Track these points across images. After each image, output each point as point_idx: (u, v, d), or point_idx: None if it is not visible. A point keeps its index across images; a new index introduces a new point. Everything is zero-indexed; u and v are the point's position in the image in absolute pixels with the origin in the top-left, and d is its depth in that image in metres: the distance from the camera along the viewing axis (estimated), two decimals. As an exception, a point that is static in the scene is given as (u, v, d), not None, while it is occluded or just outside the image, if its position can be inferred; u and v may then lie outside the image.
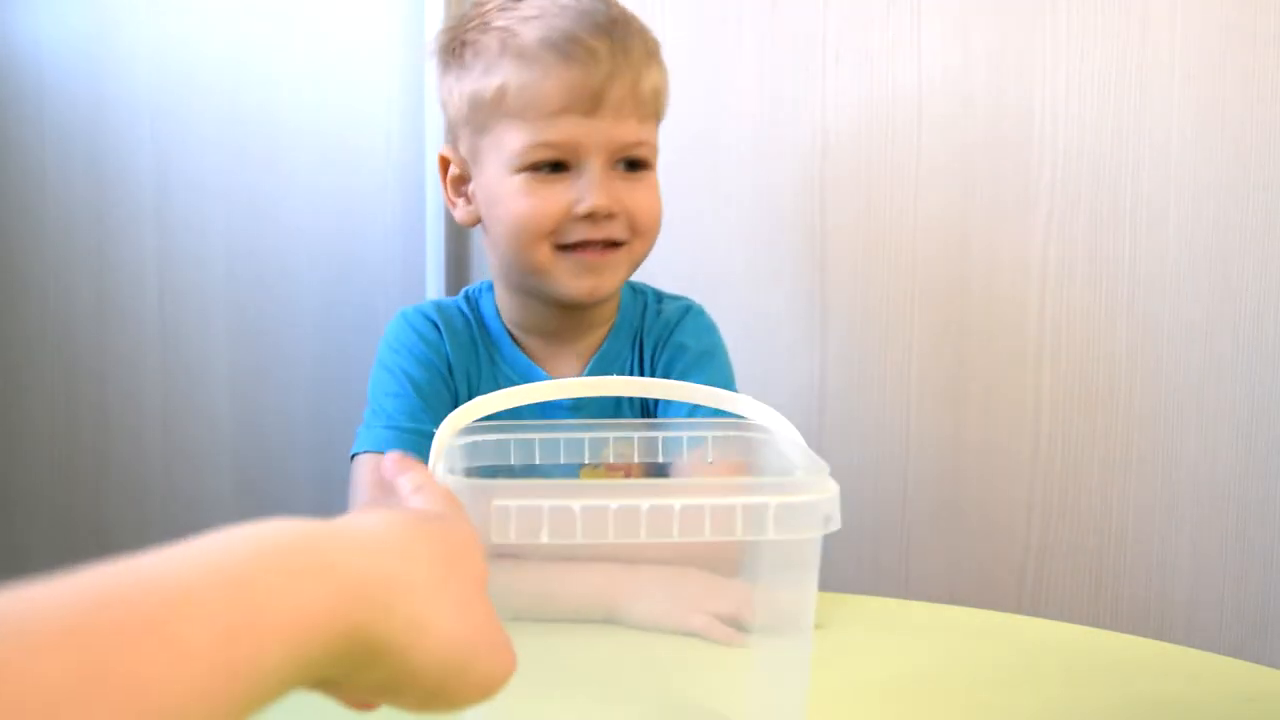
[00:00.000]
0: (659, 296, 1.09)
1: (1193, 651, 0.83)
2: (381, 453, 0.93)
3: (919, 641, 0.83)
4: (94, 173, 1.36)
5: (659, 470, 0.92)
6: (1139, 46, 1.19)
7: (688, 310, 1.07)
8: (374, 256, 1.36)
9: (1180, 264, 1.21)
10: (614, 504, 0.53)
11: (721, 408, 0.72)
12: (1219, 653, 0.83)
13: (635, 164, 0.96)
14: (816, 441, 1.29)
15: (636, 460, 0.72)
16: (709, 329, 1.07)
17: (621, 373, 1.05)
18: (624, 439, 0.72)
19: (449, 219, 1.33)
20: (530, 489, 0.54)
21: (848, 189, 1.27)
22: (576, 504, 0.53)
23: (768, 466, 0.70)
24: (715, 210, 1.31)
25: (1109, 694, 0.74)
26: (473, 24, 0.98)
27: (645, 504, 0.54)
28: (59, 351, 1.38)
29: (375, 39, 1.34)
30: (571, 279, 0.96)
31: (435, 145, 1.32)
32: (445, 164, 1.01)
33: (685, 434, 0.73)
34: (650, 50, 0.97)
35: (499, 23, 0.95)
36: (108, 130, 1.35)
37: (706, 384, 1.05)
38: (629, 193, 0.95)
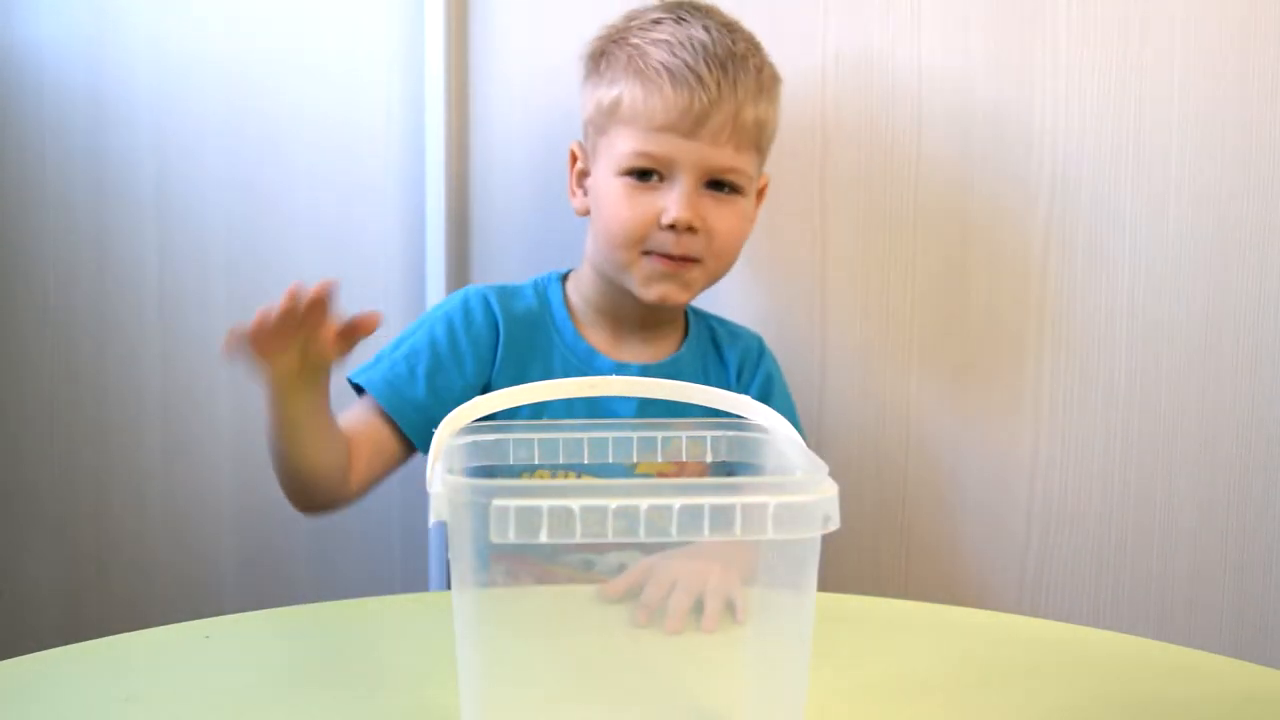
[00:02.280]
0: (720, 321, 1.20)
1: (1193, 651, 0.83)
2: (374, 399, 1.05)
3: (919, 641, 0.83)
4: (94, 172, 1.36)
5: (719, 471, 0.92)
6: (1139, 46, 1.19)
7: (761, 341, 1.20)
8: (374, 256, 1.36)
9: (1180, 264, 1.21)
10: (613, 504, 0.53)
11: (723, 408, 0.72)
12: (1219, 653, 0.83)
13: (724, 186, 1.06)
14: (816, 441, 1.29)
15: (636, 460, 0.72)
16: (778, 364, 1.20)
17: (695, 381, 1.10)
18: (623, 439, 0.72)
19: (450, 216, 1.33)
20: (530, 489, 0.54)
21: (848, 189, 1.27)
22: (575, 504, 0.53)
23: (767, 466, 0.70)
24: (715, 210, 1.31)
25: (1109, 694, 0.74)
26: (616, 37, 1.09)
27: (644, 504, 0.54)
28: (59, 351, 1.38)
29: (375, 38, 1.34)
30: (646, 283, 1.06)
31: (436, 144, 1.32)
32: (574, 158, 1.13)
33: (685, 434, 0.73)
34: (763, 86, 1.07)
35: (634, 40, 1.07)
36: (108, 130, 1.35)
37: (795, 419, 1.14)
38: (713, 211, 1.05)
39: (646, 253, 1.05)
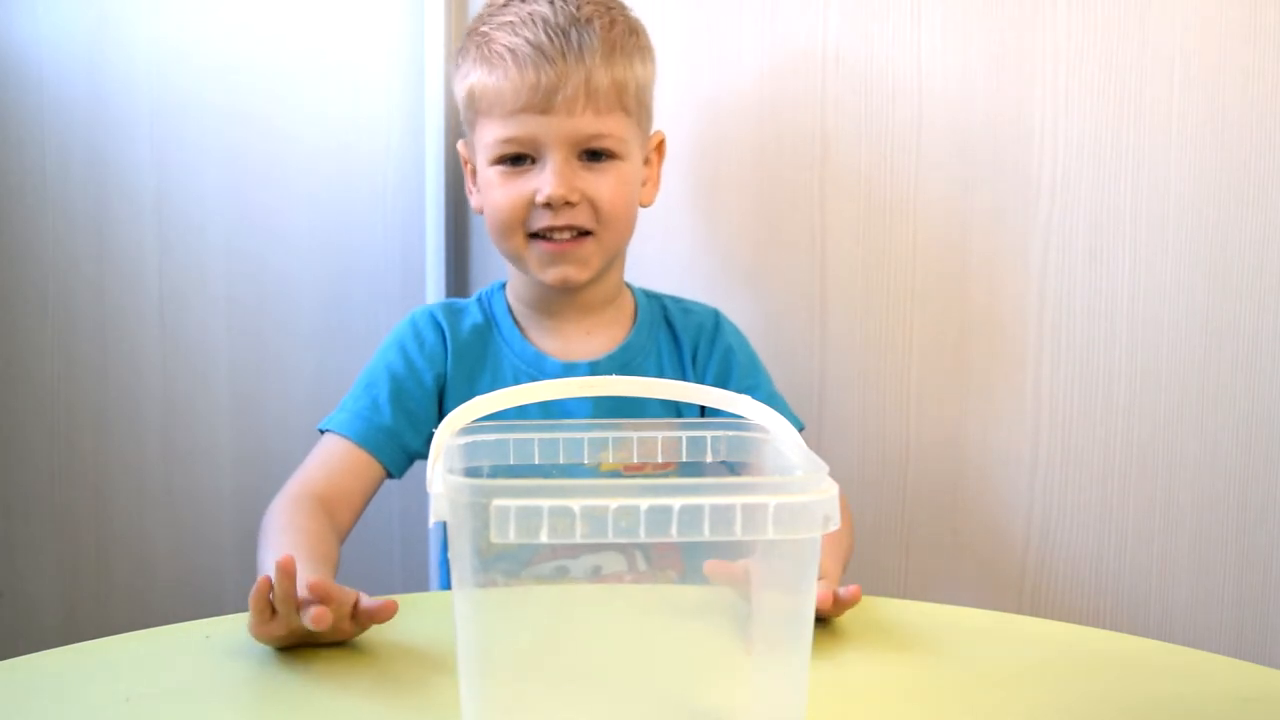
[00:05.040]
0: (675, 300, 1.17)
1: (1193, 651, 0.83)
2: (343, 436, 1.04)
3: (919, 641, 0.83)
4: (94, 173, 1.36)
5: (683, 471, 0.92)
6: (1138, 46, 1.19)
7: (718, 314, 1.17)
8: (374, 257, 1.36)
9: (1180, 264, 1.21)
10: (613, 504, 0.53)
11: (722, 408, 0.72)
12: (1219, 653, 0.83)
13: (599, 154, 1.05)
14: (816, 441, 1.29)
15: (636, 460, 0.72)
16: (742, 334, 1.17)
17: (649, 367, 1.09)
18: (623, 439, 0.72)
19: (449, 219, 1.33)
20: (530, 489, 0.54)
21: (848, 189, 1.27)
22: (576, 504, 0.53)
23: (767, 466, 0.70)
24: (715, 210, 1.31)
25: (1109, 694, 0.74)
26: (472, 29, 1.08)
27: (644, 504, 0.54)
28: (59, 351, 1.38)
29: (376, 39, 1.34)
30: (541, 267, 1.06)
31: (435, 145, 1.32)
32: (464, 159, 1.12)
33: (685, 434, 0.73)
34: (614, 45, 1.04)
35: (483, 28, 1.06)
36: (108, 130, 1.35)
37: (764, 388, 1.13)
38: (590, 182, 1.04)
39: (534, 236, 1.05)
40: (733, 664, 0.66)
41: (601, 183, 1.04)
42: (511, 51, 1.02)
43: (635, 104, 1.07)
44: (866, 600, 0.90)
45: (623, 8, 1.09)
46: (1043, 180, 1.23)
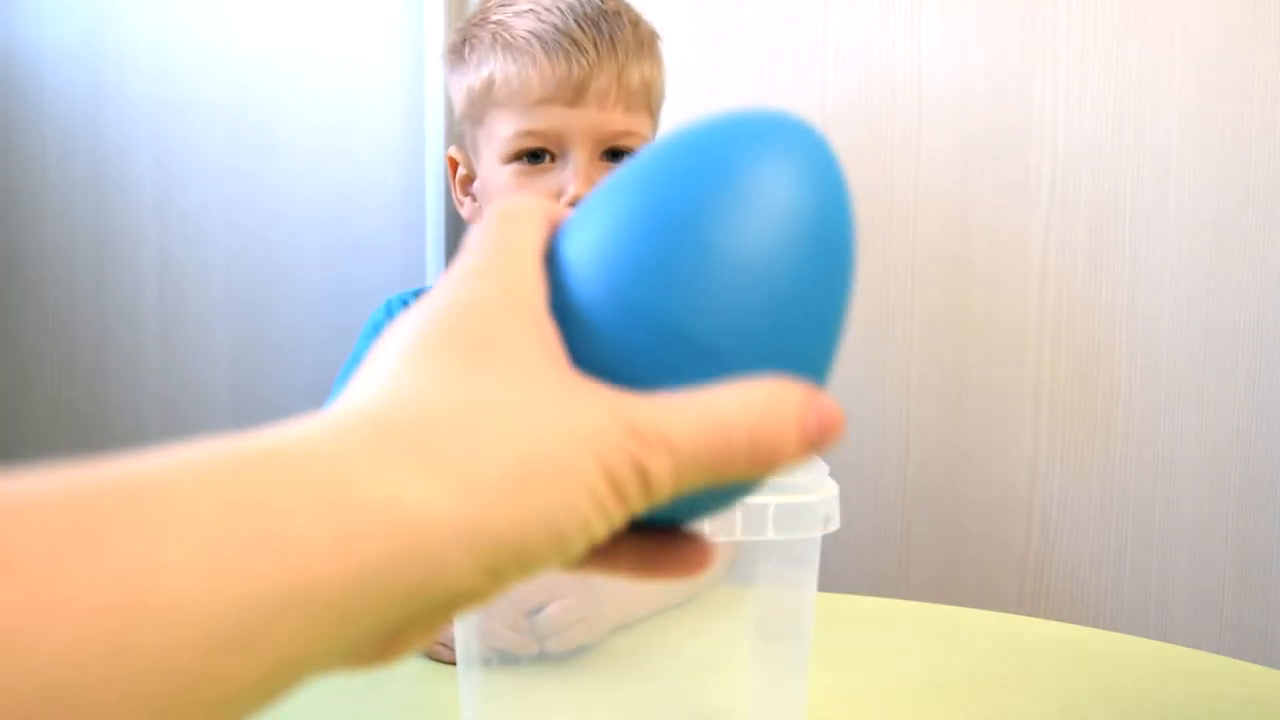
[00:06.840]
0: None
1: (1193, 651, 0.83)
2: None
3: (919, 641, 0.83)
4: (94, 173, 1.36)
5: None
6: (1139, 44, 1.19)
7: None
8: (374, 255, 1.36)
9: (1180, 262, 1.21)
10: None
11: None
12: (1219, 653, 0.83)
13: (621, 154, 0.98)
14: (816, 441, 1.28)
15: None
16: None
17: None
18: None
19: (449, 216, 1.33)
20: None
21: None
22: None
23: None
24: (715, 210, 1.31)
25: (1109, 694, 0.74)
26: (477, 20, 1.02)
27: (645, 504, 0.53)
28: (59, 351, 1.38)
29: (375, 38, 1.34)
30: None
31: (435, 144, 1.32)
32: (454, 164, 1.05)
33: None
34: (642, 42, 1.00)
35: (495, 17, 0.99)
36: (108, 130, 1.35)
37: None
38: None
39: None
40: (733, 664, 0.66)
41: None
42: (538, 38, 0.94)
43: (656, 108, 1.03)
44: (866, 600, 0.89)
45: (635, 8, 1.05)
46: (1043, 180, 1.23)
